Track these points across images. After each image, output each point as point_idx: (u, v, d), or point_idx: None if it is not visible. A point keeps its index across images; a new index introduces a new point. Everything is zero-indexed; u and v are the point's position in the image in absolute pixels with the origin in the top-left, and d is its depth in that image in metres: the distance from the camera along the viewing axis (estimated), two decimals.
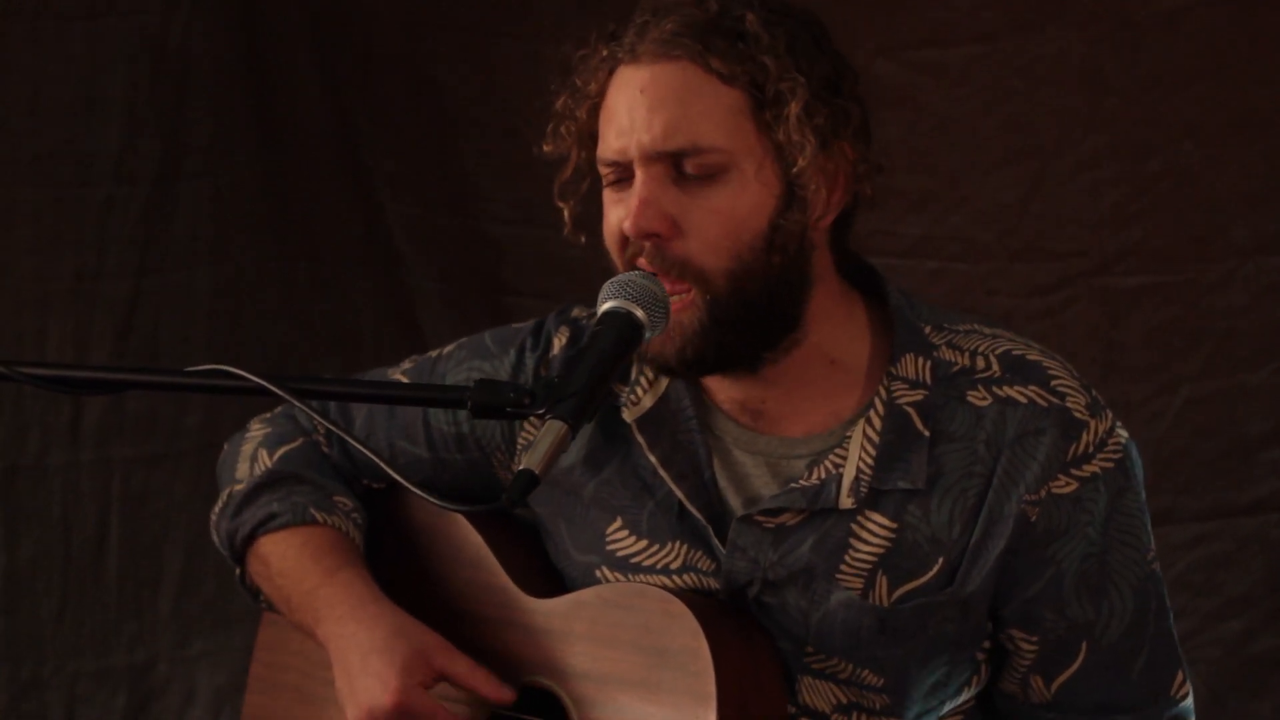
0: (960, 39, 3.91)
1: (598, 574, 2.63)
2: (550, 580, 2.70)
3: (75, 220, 4.28)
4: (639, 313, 2.39)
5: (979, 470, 2.50)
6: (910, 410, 2.52)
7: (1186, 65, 3.81)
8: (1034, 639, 2.54)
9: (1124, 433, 2.54)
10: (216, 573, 4.32)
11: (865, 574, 2.50)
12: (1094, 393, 2.54)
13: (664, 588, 2.57)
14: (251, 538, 2.76)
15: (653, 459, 2.59)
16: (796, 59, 2.45)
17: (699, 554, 2.57)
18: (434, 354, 2.81)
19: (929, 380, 2.53)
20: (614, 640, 2.56)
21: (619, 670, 2.55)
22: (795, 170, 2.45)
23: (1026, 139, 3.91)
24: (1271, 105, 3.78)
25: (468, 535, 2.74)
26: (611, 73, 2.49)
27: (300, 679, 2.78)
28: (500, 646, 2.67)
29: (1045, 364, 2.54)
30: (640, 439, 2.60)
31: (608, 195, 2.51)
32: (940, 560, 2.50)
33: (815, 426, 2.55)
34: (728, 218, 2.45)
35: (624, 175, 2.48)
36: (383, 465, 2.33)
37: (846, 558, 2.51)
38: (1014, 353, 2.55)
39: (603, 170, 2.51)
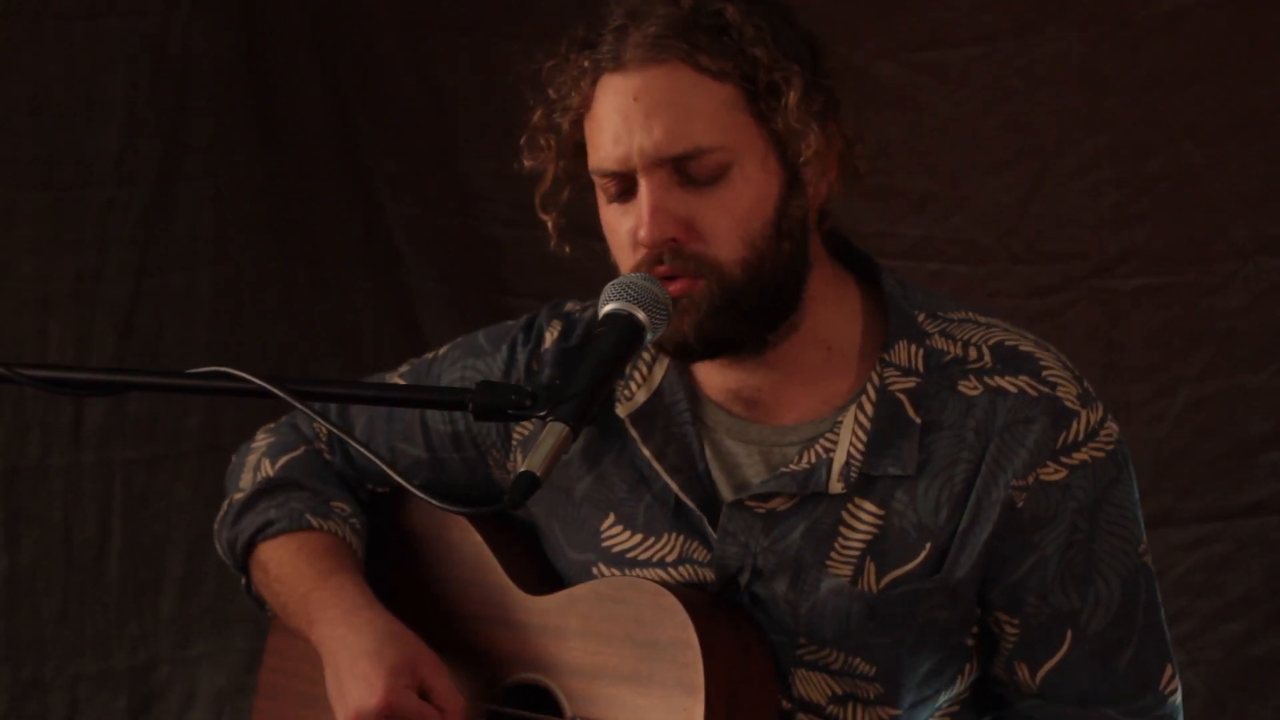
0: (960, 40, 3.91)
1: (594, 571, 2.64)
2: (548, 578, 2.70)
3: (76, 221, 4.29)
4: (640, 315, 2.40)
5: (966, 457, 2.50)
6: (902, 397, 2.52)
7: (1187, 66, 3.81)
8: (1016, 622, 2.53)
9: (1115, 426, 2.54)
10: (217, 574, 4.32)
11: (854, 561, 2.51)
12: (1086, 384, 2.54)
13: (660, 581, 2.57)
14: (251, 545, 2.77)
15: (647, 452, 2.59)
16: (783, 46, 2.45)
17: (695, 545, 2.57)
18: (429, 356, 2.81)
19: (921, 368, 2.53)
20: (607, 634, 2.57)
21: (612, 664, 2.55)
22: (803, 159, 2.46)
23: (1027, 140, 3.91)
24: (1271, 105, 3.78)
25: (467, 536, 2.74)
26: (595, 82, 2.47)
27: (307, 684, 2.79)
28: (497, 644, 2.68)
29: (1037, 354, 2.54)
30: (634, 433, 2.61)
31: (609, 208, 2.50)
32: (927, 546, 2.50)
33: (807, 413, 2.56)
34: (738, 212, 2.45)
35: (626, 186, 2.47)
36: (383, 466, 2.33)
37: (836, 545, 2.51)
38: (1006, 343, 2.55)
39: (601, 182, 2.50)
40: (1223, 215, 3.82)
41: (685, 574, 2.58)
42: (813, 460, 2.52)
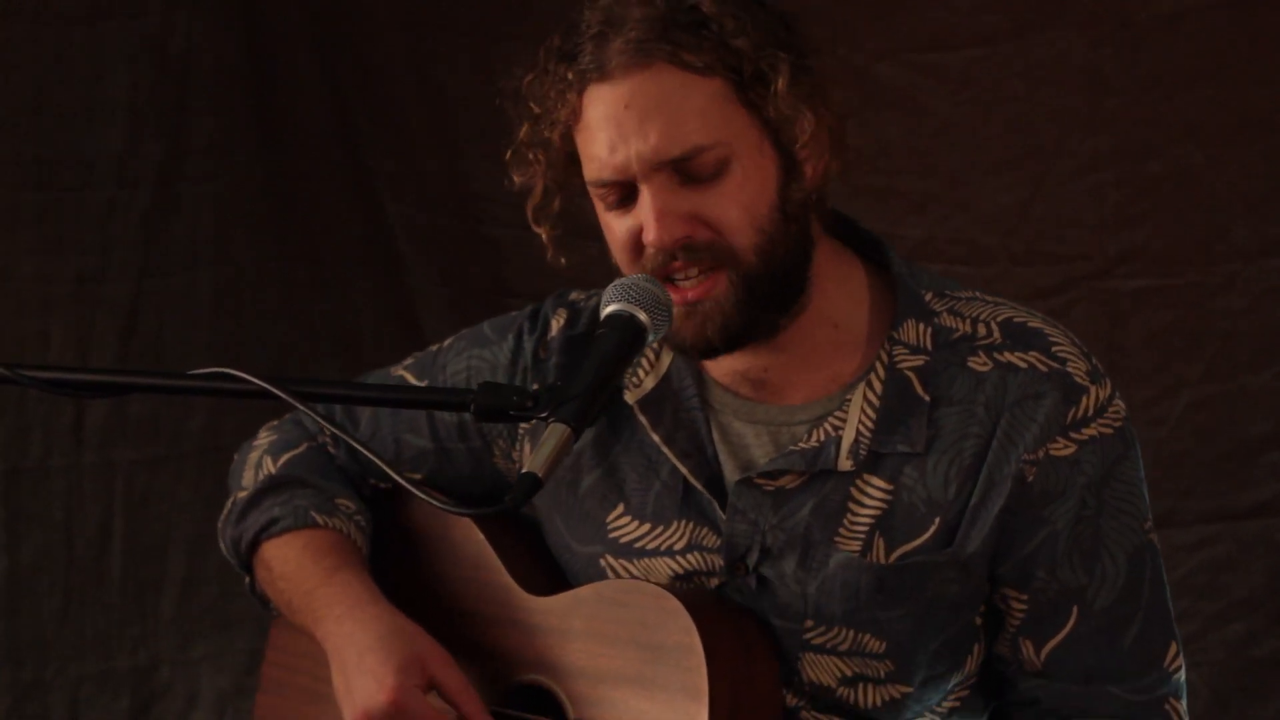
0: (961, 41, 3.91)
1: (602, 563, 2.64)
2: (551, 578, 2.71)
3: (77, 223, 4.29)
4: (642, 316, 2.40)
5: (976, 431, 2.51)
6: (911, 375, 2.53)
7: (1187, 66, 3.81)
8: (1024, 598, 2.54)
9: (1122, 403, 2.55)
10: (219, 575, 4.32)
11: (863, 536, 2.52)
12: (1094, 361, 2.56)
13: (668, 571, 2.58)
14: (255, 543, 2.78)
15: (656, 438, 2.60)
16: (764, 32, 2.46)
17: (704, 530, 2.58)
18: (434, 348, 2.82)
19: (929, 346, 2.54)
20: (611, 637, 2.57)
21: (615, 667, 2.56)
22: (799, 144, 2.47)
23: (1027, 141, 3.91)
24: (1272, 106, 3.78)
25: (470, 534, 2.74)
26: (582, 93, 2.46)
27: (310, 680, 2.79)
28: (499, 645, 2.68)
29: (1047, 331, 2.55)
30: (643, 419, 2.62)
31: (609, 215, 2.51)
32: (937, 521, 2.51)
33: (815, 392, 2.57)
34: (743, 201, 2.46)
35: (625, 194, 2.48)
36: (386, 469, 2.33)
37: (845, 520, 2.53)
38: (1015, 320, 2.56)
39: (598, 192, 2.50)
40: (1224, 216, 3.82)
41: (693, 561, 2.59)
42: (821, 438, 2.53)
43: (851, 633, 2.54)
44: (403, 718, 2.57)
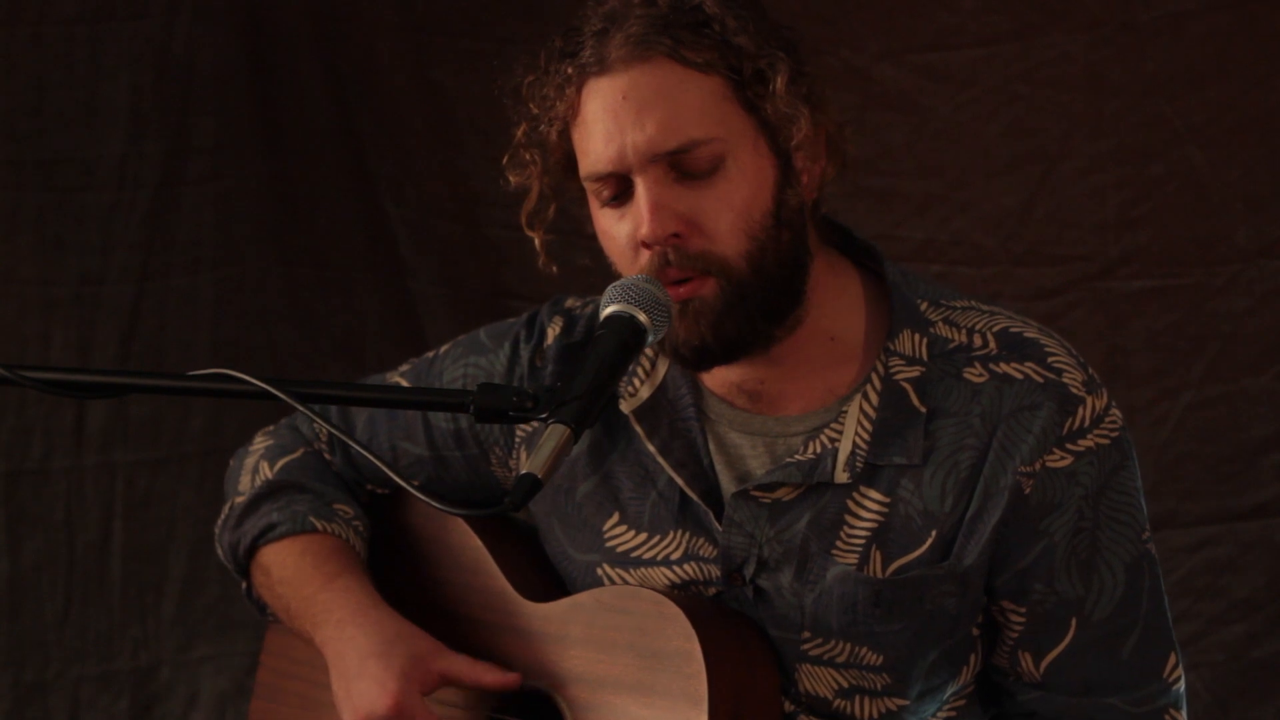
0: (963, 43, 3.91)
1: (599, 572, 2.64)
2: (549, 584, 2.70)
3: (79, 225, 4.28)
4: (641, 317, 2.40)
5: (972, 443, 2.50)
6: (907, 386, 2.53)
7: (1190, 68, 3.81)
8: (1022, 610, 2.54)
9: (1119, 413, 2.54)
10: (220, 577, 4.32)
11: (860, 549, 2.51)
12: (1090, 370, 2.55)
13: (665, 580, 2.58)
14: (253, 549, 2.78)
15: (652, 448, 2.60)
16: (765, 34, 2.46)
17: (700, 541, 2.58)
18: (430, 354, 2.82)
19: (925, 357, 2.54)
20: (609, 643, 2.57)
21: (614, 673, 2.55)
22: (794, 144, 2.46)
23: (1030, 143, 3.91)
24: (1274, 108, 3.78)
25: (467, 540, 2.74)
26: (581, 88, 2.47)
27: (305, 685, 2.79)
28: (497, 651, 2.67)
29: (1042, 341, 2.55)
30: (639, 429, 2.61)
31: (605, 215, 2.50)
32: (933, 533, 2.51)
33: (812, 403, 2.56)
34: (737, 203, 2.45)
35: (620, 188, 2.47)
36: (384, 468, 2.33)
37: (842, 533, 2.52)
38: (1011, 330, 2.56)
39: (594, 187, 2.49)
40: (1225, 218, 3.82)
41: (690, 571, 2.58)
42: (818, 450, 2.52)
43: (848, 645, 2.53)
44: None
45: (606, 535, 2.64)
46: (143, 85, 4.26)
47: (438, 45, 4.23)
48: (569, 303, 2.74)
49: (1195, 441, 3.86)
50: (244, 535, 2.77)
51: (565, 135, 2.51)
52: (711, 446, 2.60)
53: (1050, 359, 2.53)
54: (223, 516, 2.81)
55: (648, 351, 2.61)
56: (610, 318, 2.40)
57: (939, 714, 2.59)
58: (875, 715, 2.56)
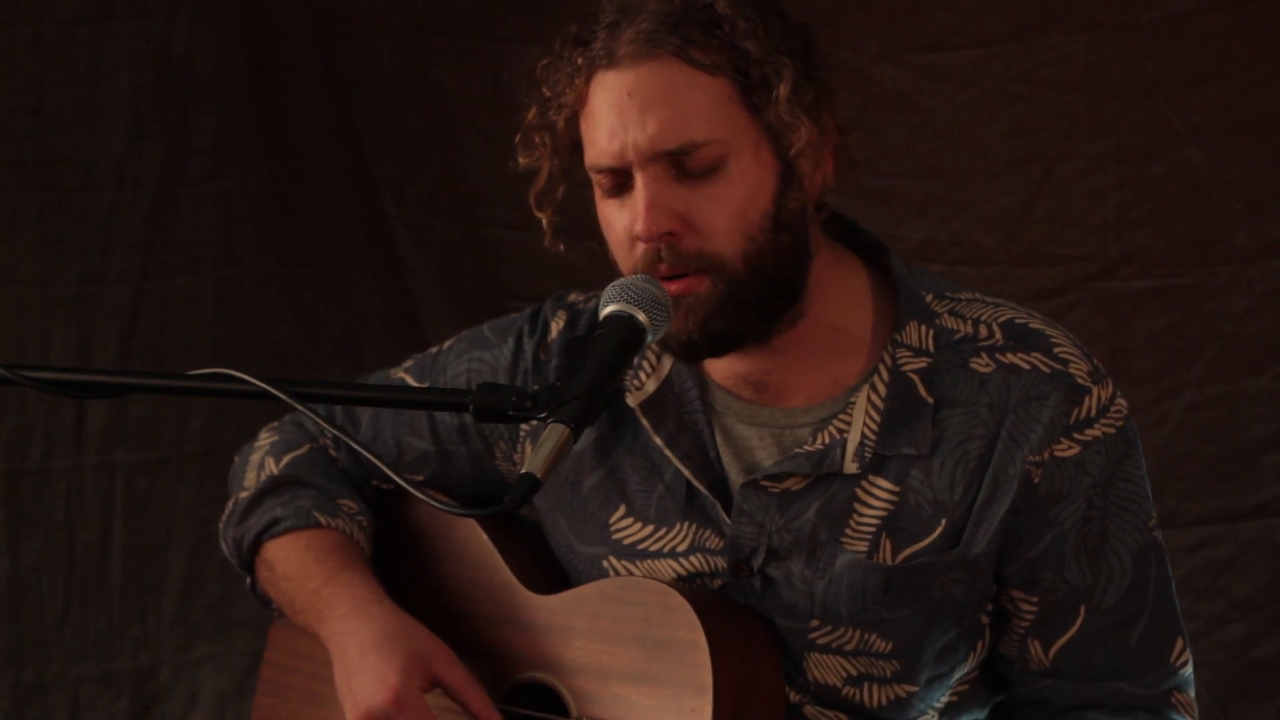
0: (963, 43, 3.91)
1: (605, 564, 2.65)
2: (554, 576, 2.71)
3: (79, 225, 4.29)
4: (641, 316, 2.41)
5: (980, 433, 2.52)
6: (914, 377, 2.54)
7: (1189, 68, 3.81)
8: (1034, 599, 2.55)
9: (1124, 402, 2.56)
10: (220, 577, 4.32)
11: (870, 537, 2.53)
12: (1095, 361, 2.56)
13: (671, 573, 2.59)
14: (257, 543, 2.78)
15: (659, 441, 2.61)
16: (775, 38, 2.47)
17: (707, 533, 2.59)
18: (434, 350, 2.83)
19: (932, 347, 2.55)
20: (614, 634, 2.57)
21: (619, 664, 2.56)
22: (795, 151, 2.47)
23: (1029, 143, 3.91)
24: (1274, 108, 3.78)
25: (472, 534, 2.75)
26: (590, 79, 2.48)
27: (309, 681, 2.79)
28: (503, 643, 2.68)
29: (1048, 332, 2.56)
30: (646, 422, 2.62)
31: (607, 204, 2.52)
32: (943, 522, 2.52)
33: (818, 395, 2.57)
34: (734, 205, 2.46)
35: (621, 181, 2.48)
36: (387, 470, 2.34)
37: (851, 521, 2.53)
38: (1016, 321, 2.57)
39: (597, 178, 2.51)
40: (1225, 218, 3.82)
41: (696, 563, 2.59)
42: (826, 441, 2.53)
43: (858, 633, 2.54)
44: (402, 716, 2.58)
45: (612, 528, 2.64)
46: (143, 85, 4.26)
47: (438, 45, 4.23)
48: (572, 297, 2.75)
49: (1195, 441, 3.86)
50: (248, 530, 2.78)
51: (573, 122, 2.53)
52: (718, 438, 2.60)
53: (1056, 349, 2.54)
54: (227, 512, 2.82)
55: (653, 346, 2.61)
56: (610, 317, 2.41)
57: (941, 699, 2.60)
58: (884, 702, 2.57)
